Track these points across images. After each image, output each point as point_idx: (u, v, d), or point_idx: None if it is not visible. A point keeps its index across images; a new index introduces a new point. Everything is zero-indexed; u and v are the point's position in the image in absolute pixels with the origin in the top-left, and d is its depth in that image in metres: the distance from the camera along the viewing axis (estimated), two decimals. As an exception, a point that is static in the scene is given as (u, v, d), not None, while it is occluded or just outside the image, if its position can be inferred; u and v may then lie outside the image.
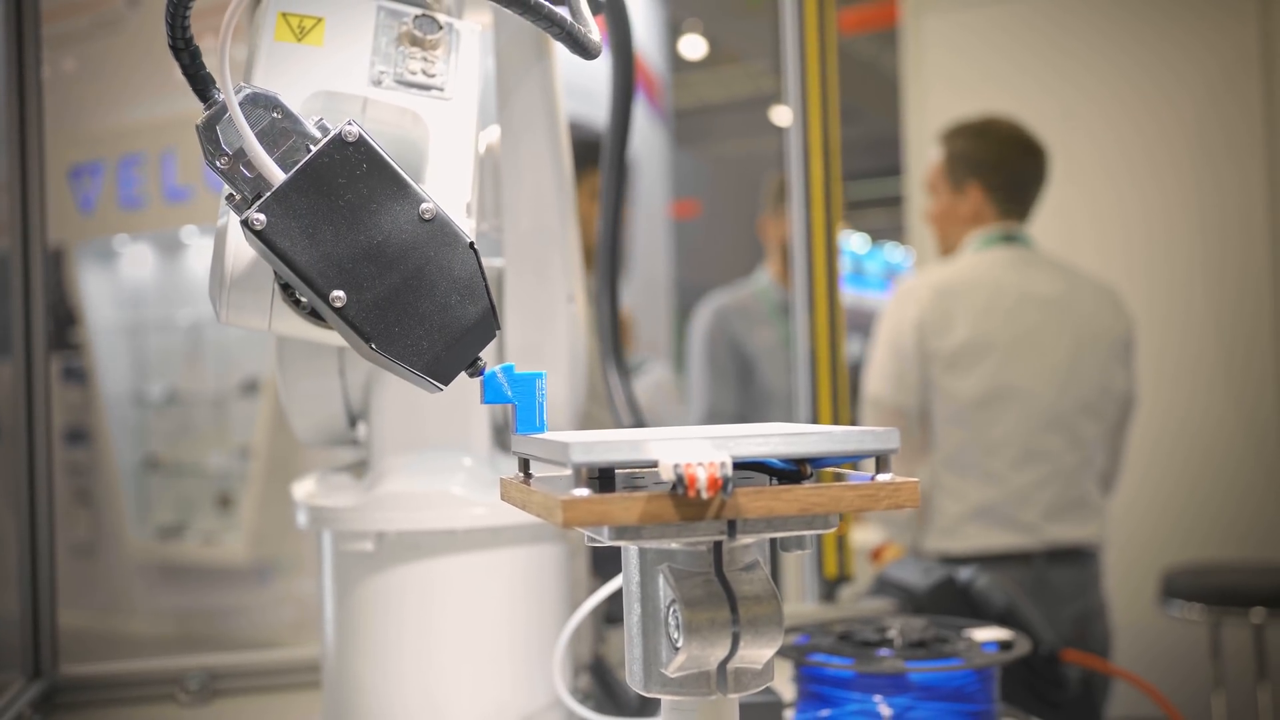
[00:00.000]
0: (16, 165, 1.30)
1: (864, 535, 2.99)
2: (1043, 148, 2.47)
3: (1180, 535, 3.36)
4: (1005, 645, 1.01)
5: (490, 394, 0.64)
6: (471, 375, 0.64)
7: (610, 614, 1.36)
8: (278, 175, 0.61)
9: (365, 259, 0.61)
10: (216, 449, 4.08)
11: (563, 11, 0.66)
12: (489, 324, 0.63)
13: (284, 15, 0.74)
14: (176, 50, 0.62)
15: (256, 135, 0.62)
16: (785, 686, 1.07)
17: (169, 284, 4.26)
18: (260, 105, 0.63)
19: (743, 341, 3.18)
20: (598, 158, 1.23)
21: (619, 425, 1.28)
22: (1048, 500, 2.25)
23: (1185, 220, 3.52)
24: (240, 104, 0.62)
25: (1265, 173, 3.41)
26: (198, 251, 4.18)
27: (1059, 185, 2.61)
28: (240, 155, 0.62)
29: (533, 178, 0.96)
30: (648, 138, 4.47)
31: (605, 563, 1.30)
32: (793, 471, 0.59)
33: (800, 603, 1.67)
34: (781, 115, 7.15)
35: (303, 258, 0.60)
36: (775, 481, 0.59)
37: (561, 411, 1.00)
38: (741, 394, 3.18)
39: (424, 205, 0.61)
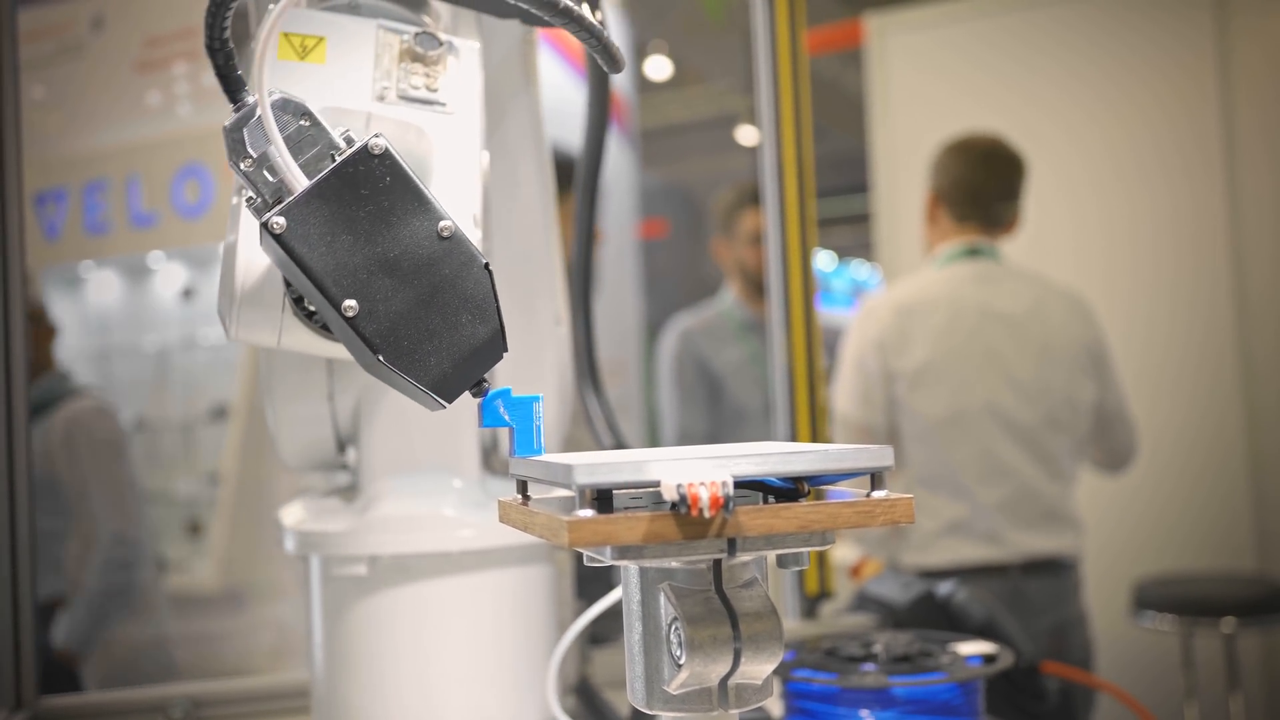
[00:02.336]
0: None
1: (842, 551, 3.00)
2: (1009, 158, 2.49)
3: (1150, 546, 3.41)
4: (990, 659, 1.03)
5: (488, 418, 0.65)
6: (475, 395, 0.64)
7: (595, 635, 1.37)
8: (301, 181, 0.62)
9: (380, 271, 0.61)
10: (185, 475, 4.05)
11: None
12: (498, 345, 0.63)
13: (286, 35, 0.75)
14: (212, 50, 0.63)
15: (285, 139, 0.62)
16: (772, 703, 1.08)
17: (136, 310, 4.23)
18: (289, 111, 0.64)
19: (710, 361, 3.20)
20: (570, 180, 1.24)
21: (599, 446, 1.29)
22: (1017, 514, 2.28)
23: (1146, 233, 3.58)
24: (272, 108, 0.63)
25: (1223, 185, 3.48)
26: (164, 277, 4.16)
27: (1027, 199, 2.65)
28: (264, 159, 0.63)
29: (521, 202, 0.97)
30: (615, 158, 4.49)
31: (589, 584, 1.31)
32: (789, 489, 0.60)
33: (784, 619, 1.68)
34: (747, 135, 7.18)
35: (318, 264, 0.60)
36: (772, 500, 0.61)
37: (552, 433, 1.01)
38: (711, 413, 3.20)
39: (443, 223, 0.62)
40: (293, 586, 3.22)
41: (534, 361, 0.99)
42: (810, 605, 1.62)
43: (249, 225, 0.71)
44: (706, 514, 0.53)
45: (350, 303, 0.60)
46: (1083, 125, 3.65)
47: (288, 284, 0.70)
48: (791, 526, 0.56)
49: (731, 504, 0.53)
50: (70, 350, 4.12)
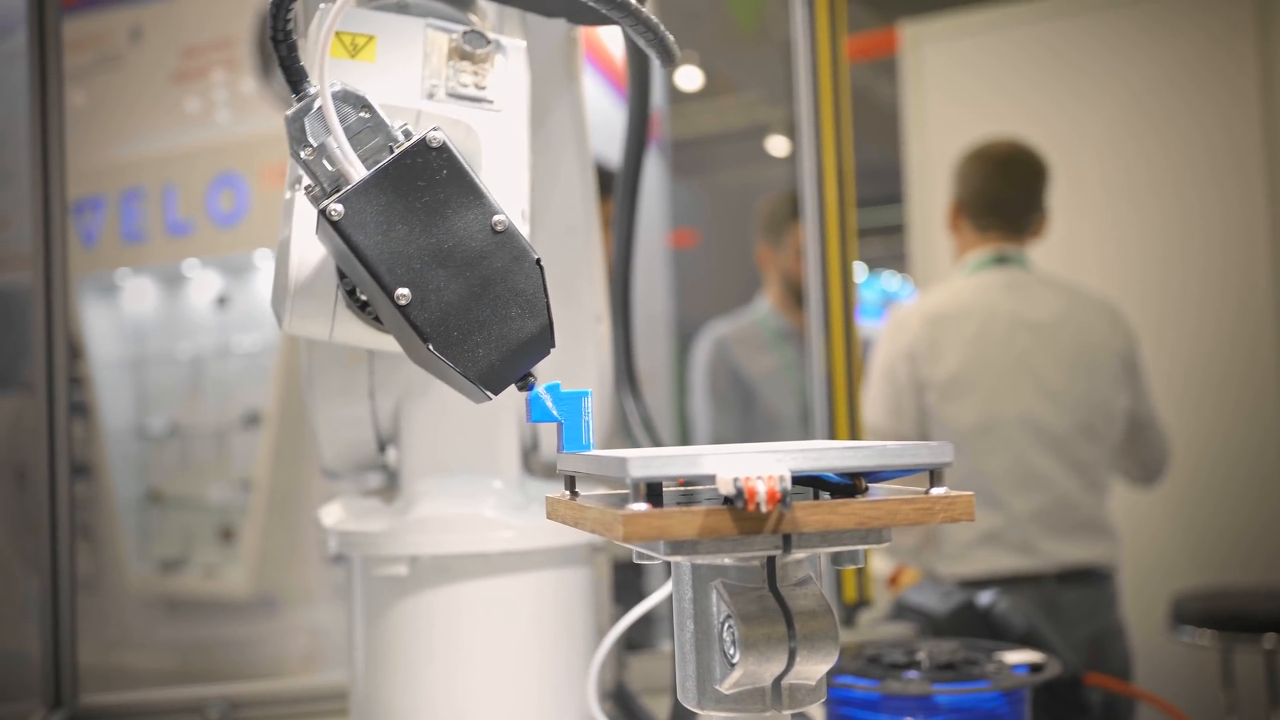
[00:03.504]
0: (39, 200, 1.30)
1: (879, 561, 2.98)
2: (1032, 166, 2.47)
3: (1190, 560, 3.36)
4: (1037, 668, 1.01)
5: (536, 413, 0.64)
6: (521, 389, 0.64)
7: (631, 640, 1.36)
8: (359, 171, 0.62)
9: (434, 262, 0.61)
10: (218, 482, 4.07)
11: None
12: (546, 340, 0.64)
13: (337, 34, 0.76)
14: (276, 42, 0.64)
15: (344, 130, 0.63)
16: (814, 709, 1.07)
17: (170, 317, 4.26)
18: (350, 103, 0.65)
19: (743, 369, 3.19)
20: (606, 188, 1.24)
21: (636, 446, 1.28)
22: (1051, 524, 2.26)
23: (1187, 241, 3.54)
24: (332, 99, 0.63)
25: (1266, 190, 3.44)
26: (199, 285, 4.19)
27: (1059, 209, 2.62)
28: (324, 149, 0.64)
29: (562, 199, 0.97)
30: (646, 168, 4.49)
31: (625, 589, 1.30)
32: (845, 486, 0.59)
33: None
34: (778, 145, 7.16)
35: (373, 252, 0.61)
36: (826, 497, 0.60)
37: (597, 429, 1.01)
38: (744, 422, 3.19)
39: (497, 217, 0.63)
40: (325, 592, 3.23)
41: (576, 358, 0.99)
42: (848, 613, 1.60)
43: (302, 219, 0.72)
44: (763, 508, 0.52)
45: (403, 291, 0.61)
46: (1121, 133, 3.62)
47: (341, 276, 0.71)
48: (849, 523, 0.55)
49: (789, 499, 0.52)
50: (105, 357, 4.16)
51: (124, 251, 4.12)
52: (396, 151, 0.62)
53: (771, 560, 0.59)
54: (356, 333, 0.72)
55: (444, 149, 0.62)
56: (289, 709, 1.31)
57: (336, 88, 0.64)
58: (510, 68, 0.78)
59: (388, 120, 0.65)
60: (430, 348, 0.61)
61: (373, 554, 0.92)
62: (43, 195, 1.29)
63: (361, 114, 0.65)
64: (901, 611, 1.55)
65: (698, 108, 7.00)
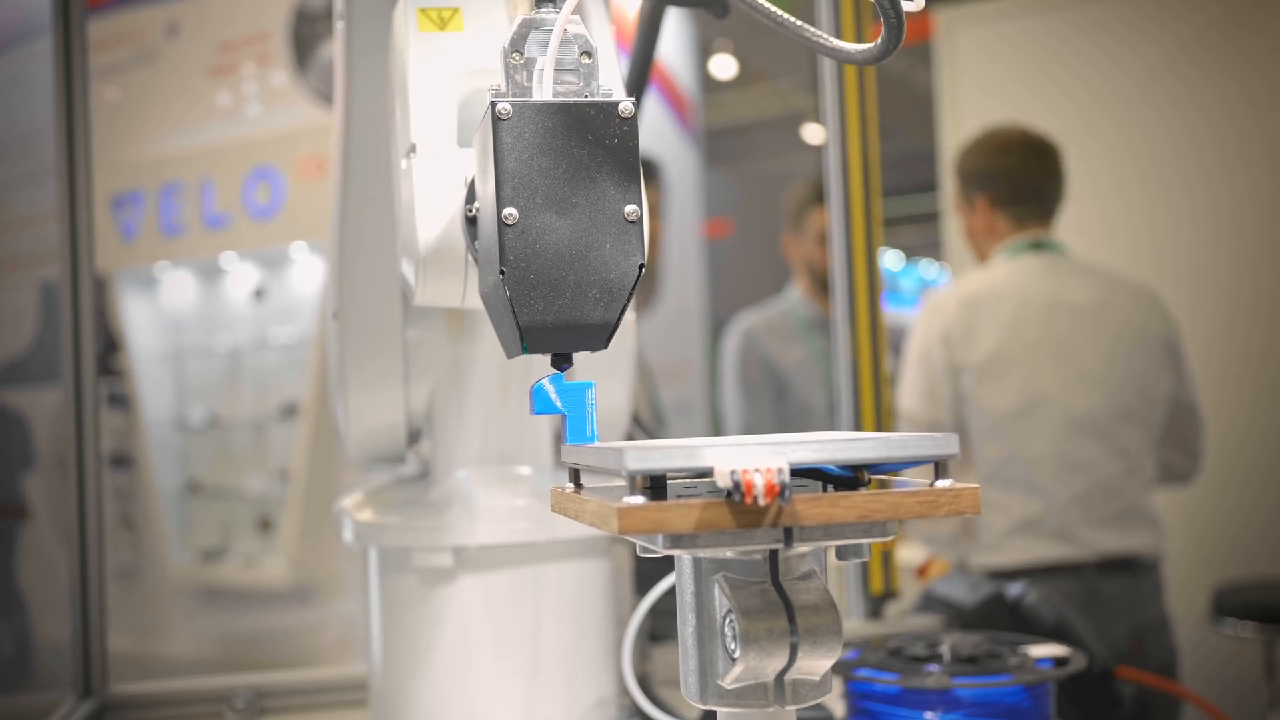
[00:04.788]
0: (65, 195, 1.32)
1: (909, 552, 2.96)
2: (1049, 147, 2.43)
3: (1231, 551, 3.31)
4: (1062, 662, 1.00)
5: (539, 405, 0.64)
6: (555, 365, 0.64)
7: (654, 632, 1.35)
8: (546, 94, 0.63)
9: (554, 207, 0.62)
10: (256, 472, 4.11)
11: None
12: (603, 336, 0.63)
13: (422, 10, 0.78)
14: None
15: (557, 62, 0.64)
16: (834, 702, 1.06)
17: (209, 310, 4.31)
18: (577, 43, 0.65)
19: (774, 360, 3.17)
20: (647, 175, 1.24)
21: (632, 438, 1.28)
22: (1091, 511, 2.22)
23: (1222, 230, 3.48)
24: (565, 31, 0.64)
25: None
26: (236, 277, 4.23)
27: (1096, 196, 2.58)
28: (530, 64, 0.65)
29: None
30: (679, 157, 4.48)
31: (648, 580, 1.30)
32: (849, 479, 0.58)
33: (846, 619, 1.65)
34: (814, 133, 7.12)
35: (510, 164, 0.61)
36: (831, 489, 0.59)
37: (623, 421, 1.01)
38: (776, 412, 3.17)
39: (632, 207, 0.63)
40: (359, 582, 3.25)
41: (611, 350, 0.99)
42: (875, 605, 1.59)
43: (425, 188, 0.73)
44: (761, 502, 0.51)
45: (512, 211, 0.61)
46: (1158, 120, 3.56)
47: (471, 237, 0.70)
48: (851, 516, 0.54)
49: (788, 492, 0.52)
50: (145, 350, 4.21)
51: (163, 245, 4.17)
52: (585, 100, 0.63)
53: (774, 554, 0.58)
54: None
55: (629, 121, 0.63)
56: (314, 698, 1.32)
57: (576, 24, 0.65)
58: (594, 20, 0.80)
59: (601, 77, 0.66)
60: (502, 272, 0.61)
61: (415, 544, 0.92)
62: (69, 192, 1.31)
63: (583, 58, 0.65)
64: (929, 603, 1.53)
65: (732, 96, 6.97)
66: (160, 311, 4.32)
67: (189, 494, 4.24)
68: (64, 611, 1.30)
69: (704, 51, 5.87)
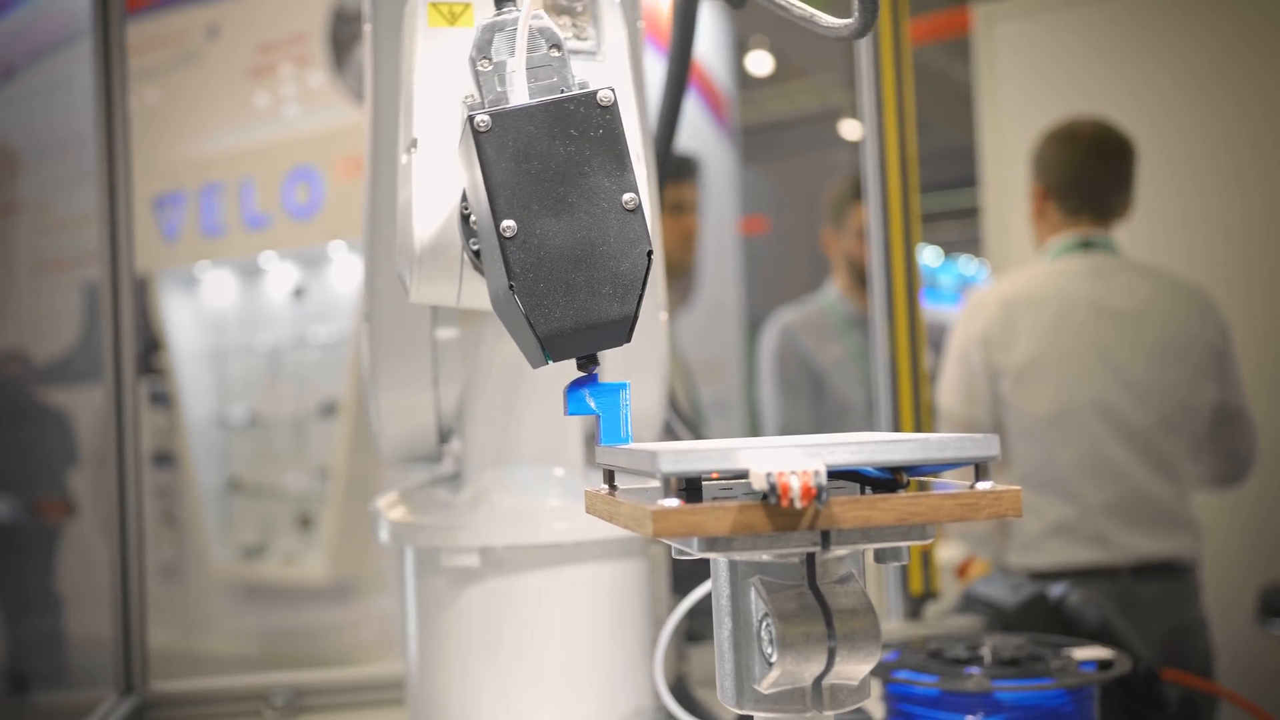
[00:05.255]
0: (106, 197, 1.33)
1: (948, 551, 2.93)
2: (1117, 146, 2.40)
3: (1277, 551, 3.25)
4: (1105, 665, 0.98)
5: (573, 406, 0.64)
6: (580, 369, 0.63)
7: (691, 632, 1.35)
8: (522, 97, 0.62)
9: (551, 210, 0.60)
10: (296, 470, 4.15)
11: None
12: (623, 330, 0.62)
13: (433, 5, 0.77)
14: None
15: (526, 60, 0.63)
16: (873, 704, 1.05)
17: (249, 309, 4.35)
18: (544, 37, 0.65)
19: (812, 357, 3.15)
20: (680, 172, 1.23)
21: (674, 438, 1.27)
22: (1126, 516, 2.19)
23: (1273, 225, 3.41)
24: (530, 28, 0.64)
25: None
26: (276, 277, 4.26)
27: (1143, 190, 2.54)
28: (501, 67, 0.64)
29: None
30: (715, 154, 4.47)
31: (685, 580, 1.29)
32: (888, 481, 0.57)
33: (885, 620, 1.64)
34: (851, 129, 7.09)
35: (499, 175, 0.60)
36: (869, 491, 0.58)
37: (655, 422, 1.00)
38: (814, 409, 3.15)
39: (629, 195, 0.61)
40: (397, 579, 3.27)
41: (642, 349, 0.98)
42: (914, 605, 1.57)
43: (423, 184, 0.72)
44: (798, 504, 0.50)
45: (510, 223, 0.60)
46: (1204, 113, 3.50)
47: (466, 237, 0.69)
48: (889, 519, 0.53)
49: (825, 494, 0.51)
50: (187, 349, 4.26)
51: (204, 245, 4.22)
52: (564, 95, 0.62)
53: (811, 557, 0.57)
54: (483, 295, 0.70)
55: (611, 110, 0.61)
56: (352, 696, 1.33)
57: (541, 20, 0.64)
58: (608, 19, 0.78)
59: (572, 67, 0.65)
60: (512, 287, 0.60)
61: (442, 544, 0.92)
62: (109, 194, 1.32)
63: (551, 51, 0.64)
64: (970, 604, 1.51)
65: (768, 93, 6.94)
66: (201, 311, 4.37)
67: (230, 491, 4.28)
68: (145, 608, 1.32)
69: (740, 48, 5.85)
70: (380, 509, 1.01)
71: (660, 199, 1.15)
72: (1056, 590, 1.39)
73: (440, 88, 0.74)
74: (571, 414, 0.63)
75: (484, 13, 0.76)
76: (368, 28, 0.92)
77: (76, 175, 3.86)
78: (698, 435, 1.14)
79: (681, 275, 2.94)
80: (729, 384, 4.41)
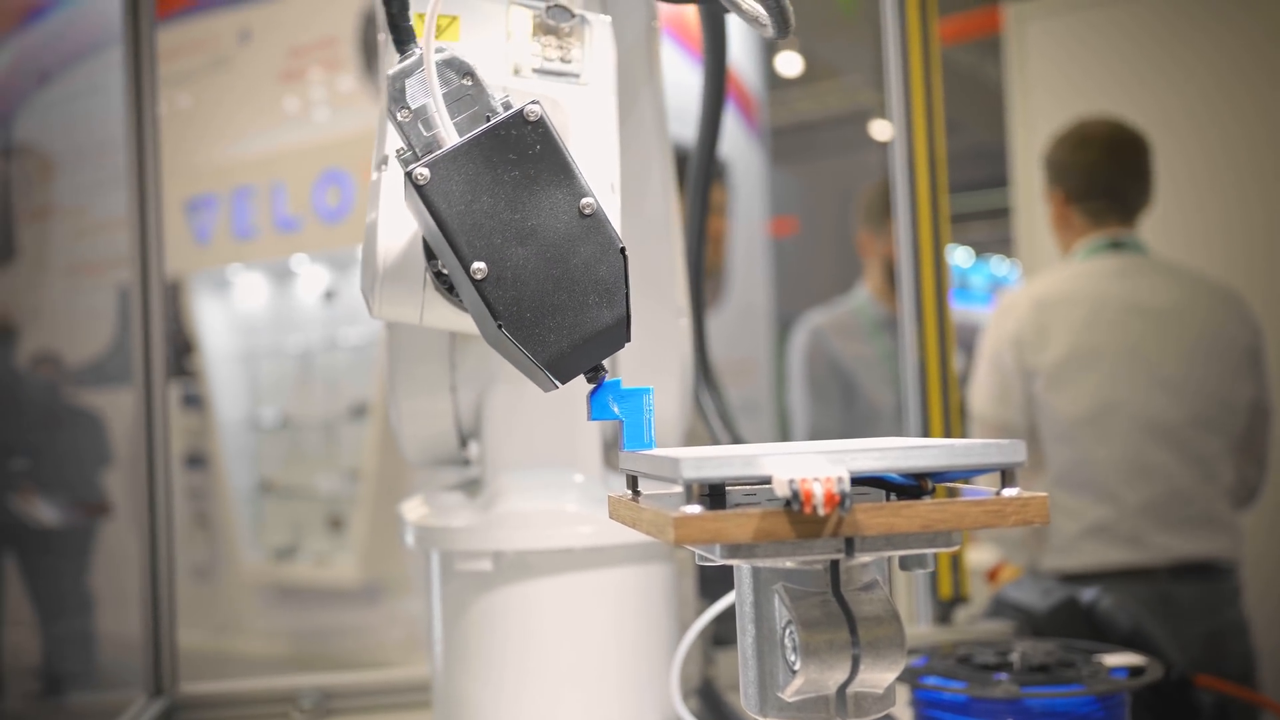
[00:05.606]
0: (136, 201, 1.34)
1: (979, 555, 2.91)
2: (1135, 144, 2.37)
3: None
4: (1137, 671, 0.97)
5: (597, 410, 0.63)
6: (590, 381, 0.63)
7: (719, 636, 1.34)
8: (453, 137, 0.61)
9: (515, 239, 0.60)
10: (326, 472, 4.17)
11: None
12: (621, 333, 0.61)
13: (420, 15, 0.76)
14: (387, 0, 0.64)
15: (444, 96, 0.62)
16: (901, 710, 1.04)
17: (280, 311, 4.37)
18: (453, 68, 0.64)
19: (842, 359, 3.13)
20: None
21: (714, 441, 1.27)
22: (1164, 517, 2.16)
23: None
24: (437, 63, 0.62)
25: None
26: (307, 279, 4.29)
27: (1173, 193, 2.51)
28: (422, 112, 0.63)
29: (643, 194, 0.95)
30: (745, 156, 4.46)
31: (713, 583, 1.28)
32: (912, 487, 0.57)
33: (914, 625, 1.63)
34: (881, 130, 7.06)
35: (455, 222, 0.59)
36: (894, 498, 0.57)
37: (674, 427, 0.99)
38: (844, 413, 3.13)
39: (585, 200, 0.61)
40: (424, 581, 3.28)
41: (659, 354, 0.98)
42: (944, 610, 1.56)
43: (390, 201, 0.71)
44: (821, 512, 0.50)
45: (480, 265, 0.59)
46: (1239, 113, 3.45)
47: (429, 258, 0.69)
48: (914, 526, 0.52)
49: (848, 501, 0.50)
50: (219, 351, 4.29)
51: (235, 248, 4.25)
52: (492, 122, 0.61)
53: (835, 564, 0.57)
54: (446, 316, 0.71)
55: (540, 124, 0.60)
56: (380, 699, 1.33)
57: (445, 53, 0.63)
58: (595, 42, 0.78)
59: (490, 90, 0.64)
60: (500, 326, 0.59)
61: (456, 549, 0.92)
62: (139, 197, 1.33)
63: (464, 81, 0.64)
64: (1000, 608, 1.50)
65: (797, 93, 6.92)
66: (233, 313, 4.40)
67: (261, 493, 4.31)
68: (174, 610, 1.33)
69: (770, 49, 5.83)
70: (403, 512, 1.01)
71: (707, 202, 1.15)
72: (1088, 594, 1.37)
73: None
74: (595, 419, 0.63)
75: (471, 26, 0.75)
76: (382, 37, 0.92)
77: (112, 179, 3.90)
78: (738, 440, 1.14)
79: (710, 277, 2.93)
80: (758, 385, 4.40)
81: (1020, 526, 0.53)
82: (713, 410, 1.11)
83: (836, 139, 7.49)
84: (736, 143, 4.34)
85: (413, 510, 1.00)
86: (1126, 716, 0.95)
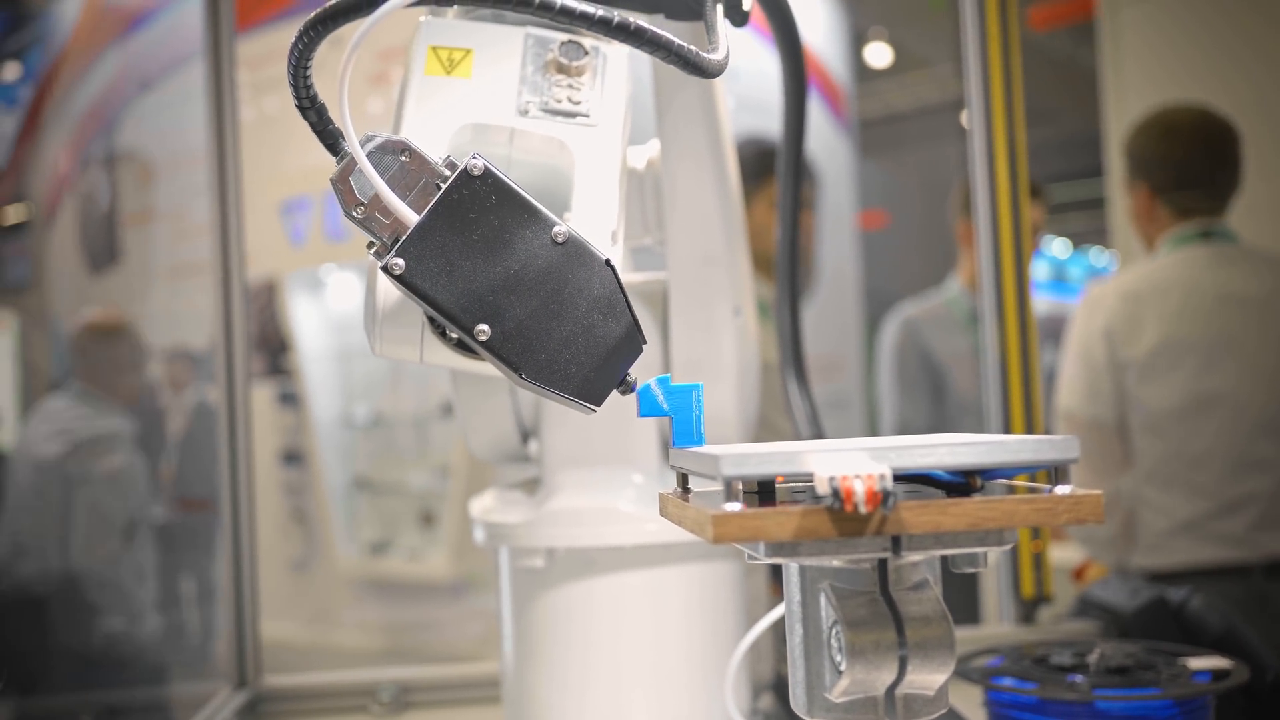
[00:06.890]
0: (218, 207, 1.38)
1: (1065, 553, 2.84)
2: (1223, 132, 2.28)
3: None
4: (1222, 675, 0.93)
5: (645, 407, 0.63)
6: (623, 393, 0.63)
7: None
8: (411, 218, 0.61)
9: (504, 289, 0.60)
10: (418, 468, 4.23)
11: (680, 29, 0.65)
12: (634, 340, 0.62)
13: (434, 49, 0.76)
14: (303, 109, 0.64)
15: (387, 181, 0.62)
16: (976, 712, 1.02)
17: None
18: (389, 152, 0.63)
19: (933, 352, 3.08)
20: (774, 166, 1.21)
21: (798, 436, 1.25)
22: (1264, 512, 2.08)
23: None
24: (370, 153, 0.62)
25: None
26: (398, 279, 4.36)
27: (1267, 181, 2.41)
28: (376, 203, 0.63)
29: (691, 193, 0.95)
30: (833, 149, 4.41)
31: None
32: (962, 484, 0.56)
33: (997, 624, 1.59)
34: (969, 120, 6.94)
35: (444, 296, 0.60)
36: (945, 495, 0.56)
37: (730, 424, 0.99)
38: (934, 406, 3.08)
39: (556, 229, 0.61)
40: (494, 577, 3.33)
41: (711, 354, 0.97)
42: (1027, 610, 1.53)
43: None
44: (862, 509, 0.49)
45: (482, 327, 0.60)
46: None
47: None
48: (960, 524, 0.51)
49: (891, 499, 0.49)
50: (313, 350, 4.39)
51: (328, 248, 4.33)
52: (442, 190, 0.61)
53: (883, 563, 0.56)
54: (445, 357, 0.72)
55: (487, 175, 0.61)
56: (457, 693, 1.35)
57: (375, 141, 0.63)
58: (608, 77, 0.77)
59: (430, 157, 0.64)
60: (521, 375, 0.61)
61: (513, 545, 0.93)
62: (220, 203, 1.37)
63: (403, 158, 0.63)
64: (1086, 608, 1.46)
65: (887, 85, 6.83)
66: (327, 312, 4.49)
67: (356, 489, 4.40)
68: (257, 603, 1.36)
69: (858, 40, 5.76)
70: (471, 507, 1.02)
71: (798, 198, 1.13)
72: (1178, 594, 1.33)
73: (424, 143, 0.74)
74: (644, 416, 0.63)
75: (485, 64, 0.75)
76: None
77: (207, 183, 4.01)
78: (819, 436, 1.12)
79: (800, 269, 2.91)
80: (849, 380, 4.35)
81: (1072, 524, 0.52)
82: (799, 404, 1.10)
83: (927, 130, 7.37)
84: (823, 136, 4.29)
85: (479, 505, 1.01)
86: (1209, 722, 0.91)
